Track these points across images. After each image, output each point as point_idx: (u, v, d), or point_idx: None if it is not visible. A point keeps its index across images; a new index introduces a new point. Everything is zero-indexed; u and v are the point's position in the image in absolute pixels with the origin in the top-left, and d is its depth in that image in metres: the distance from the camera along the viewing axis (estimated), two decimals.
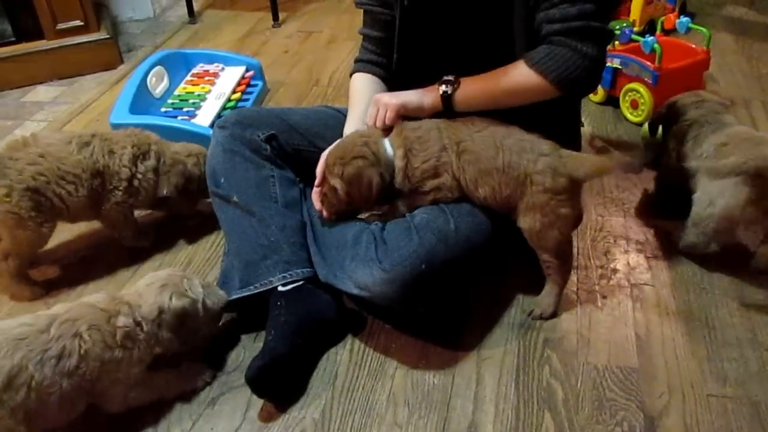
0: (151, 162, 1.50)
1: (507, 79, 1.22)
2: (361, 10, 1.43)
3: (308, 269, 1.30)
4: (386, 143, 1.26)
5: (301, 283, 1.28)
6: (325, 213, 1.30)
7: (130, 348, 1.11)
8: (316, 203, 1.32)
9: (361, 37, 1.46)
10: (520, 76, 1.20)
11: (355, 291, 1.23)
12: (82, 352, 1.05)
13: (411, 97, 1.28)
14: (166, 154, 1.54)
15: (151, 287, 1.16)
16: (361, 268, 1.21)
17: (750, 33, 2.58)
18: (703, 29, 2.03)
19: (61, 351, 1.04)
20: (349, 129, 1.37)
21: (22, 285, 1.45)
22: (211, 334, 1.26)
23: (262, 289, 1.29)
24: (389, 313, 1.31)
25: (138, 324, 1.12)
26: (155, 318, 1.13)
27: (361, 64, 1.45)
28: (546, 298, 1.34)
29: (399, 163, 1.25)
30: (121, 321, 1.10)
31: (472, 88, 1.25)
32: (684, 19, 2.10)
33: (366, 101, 1.38)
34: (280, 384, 1.20)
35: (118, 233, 1.55)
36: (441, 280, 1.22)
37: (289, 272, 1.28)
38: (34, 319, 1.07)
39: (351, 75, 1.47)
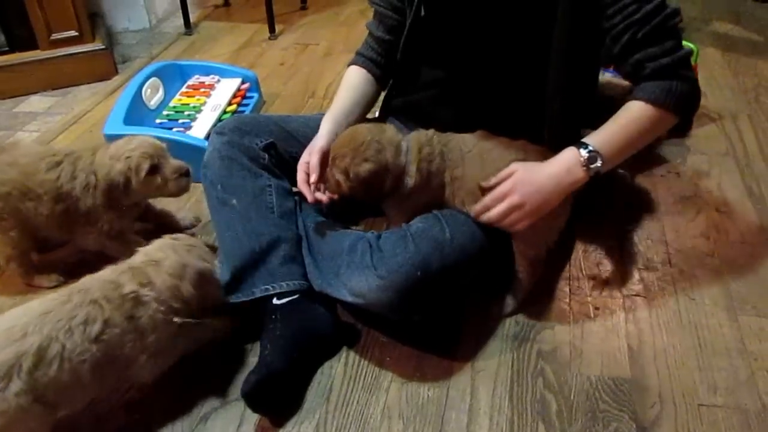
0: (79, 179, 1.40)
1: (637, 126, 1.21)
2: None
3: (297, 282, 1.30)
4: (404, 154, 1.27)
5: (296, 296, 1.29)
6: (324, 198, 1.31)
7: (142, 314, 1.11)
8: (308, 194, 1.31)
9: (367, 32, 1.48)
10: (651, 119, 1.20)
11: (350, 298, 1.23)
12: (105, 316, 1.07)
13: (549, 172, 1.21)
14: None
15: (176, 245, 1.18)
16: (356, 275, 1.21)
17: (736, 48, 2.62)
18: (691, 45, 2.06)
19: (86, 317, 1.06)
20: (326, 120, 1.39)
21: (35, 279, 1.47)
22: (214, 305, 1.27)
23: (244, 299, 1.30)
24: (384, 323, 1.32)
25: (144, 285, 1.12)
26: (178, 272, 1.14)
27: (361, 58, 1.48)
28: (512, 297, 1.38)
29: (411, 181, 1.28)
30: (127, 288, 1.11)
31: (614, 153, 1.21)
32: None
33: (353, 98, 1.42)
34: (275, 399, 1.20)
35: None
36: (436, 288, 1.23)
37: (273, 284, 1.29)
38: (55, 294, 1.10)
39: (348, 65, 1.49)
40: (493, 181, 1.22)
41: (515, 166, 1.21)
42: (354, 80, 1.46)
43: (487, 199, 1.21)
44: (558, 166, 1.20)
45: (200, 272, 1.17)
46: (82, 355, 1.05)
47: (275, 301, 1.28)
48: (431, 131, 1.33)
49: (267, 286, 1.29)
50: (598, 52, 1.32)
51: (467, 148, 1.29)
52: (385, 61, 1.45)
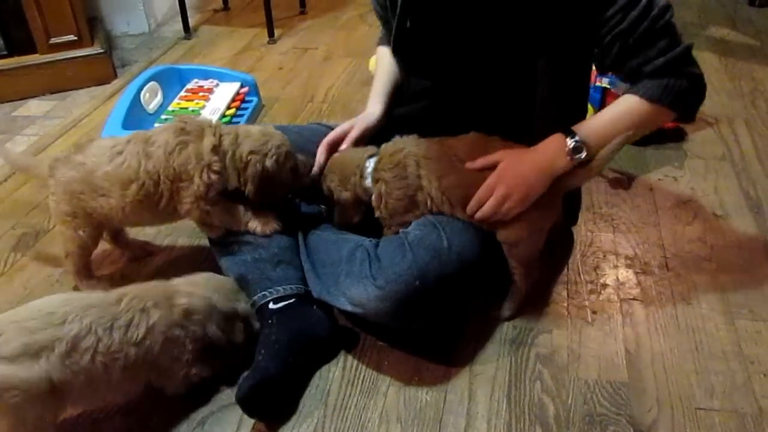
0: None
1: (630, 120, 1.21)
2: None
3: (293, 286, 1.30)
4: (368, 178, 1.31)
5: (292, 300, 1.29)
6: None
7: (188, 326, 1.15)
8: (319, 154, 1.40)
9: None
10: (644, 114, 1.20)
11: (349, 308, 1.23)
12: (149, 323, 1.10)
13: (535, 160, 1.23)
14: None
15: (208, 283, 1.24)
16: (355, 284, 1.21)
17: (733, 53, 2.63)
18: None
19: (130, 321, 1.09)
20: (372, 101, 1.47)
21: (85, 281, 1.47)
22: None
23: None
24: (382, 327, 1.32)
25: (194, 309, 1.17)
26: (206, 312, 1.18)
27: (385, 39, 1.52)
28: (510, 302, 1.38)
29: (374, 202, 1.31)
30: (183, 300, 1.15)
31: (602, 145, 1.20)
32: None
33: (387, 74, 1.49)
34: (271, 403, 1.20)
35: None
36: (434, 297, 1.23)
37: (269, 290, 1.29)
38: (104, 294, 1.13)
39: (378, 45, 1.56)
40: (479, 162, 1.23)
41: (501, 154, 1.23)
42: (386, 59, 1.50)
43: (478, 195, 1.22)
44: (542, 155, 1.21)
45: (224, 314, 1.23)
46: (117, 354, 1.07)
47: (271, 305, 1.28)
48: (408, 138, 1.33)
49: (264, 292, 1.29)
50: (586, 57, 1.32)
51: (458, 157, 1.27)
52: None
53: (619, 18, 1.15)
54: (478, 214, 1.23)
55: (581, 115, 1.37)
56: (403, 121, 1.46)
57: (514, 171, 1.21)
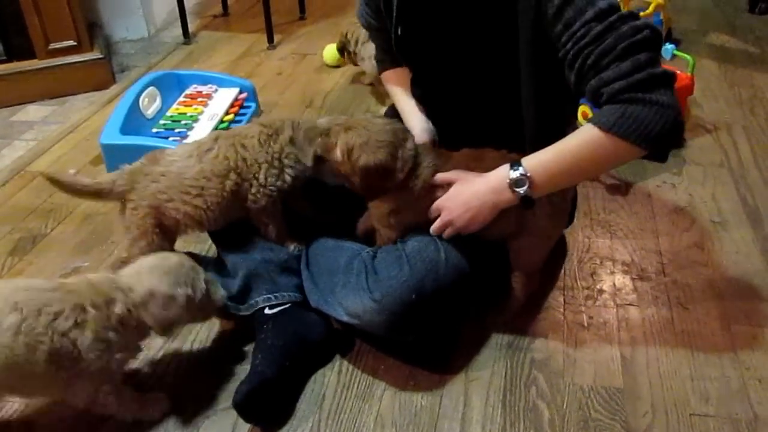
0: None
1: (584, 153, 1.09)
2: None
3: (292, 294, 1.31)
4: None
5: (287, 306, 1.29)
6: None
7: (122, 333, 1.11)
8: None
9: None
10: (599, 147, 1.06)
11: (346, 318, 1.24)
12: (78, 320, 1.06)
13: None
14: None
15: (153, 271, 1.16)
16: (351, 296, 1.21)
17: (733, 60, 2.63)
18: (687, 56, 2.08)
19: (61, 311, 1.05)
20: (414, 122, 1.40)
21: None
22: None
23: (245, 313, 1.33)
24: (378, 337, 1.31)
25: (130, 311, 1.12)
26: (144, 301, 1.13)
27: (383, 61, 1.51)
28: (509, 308, 1.38)
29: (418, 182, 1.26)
30: (118, 307, 1.11)
31: (549, 178, 1.12)
32: (669, 45, 2.16)
33: (405, 92, 1.45)
34: (267, 408, 1.19)
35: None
36: (431, 310, 1.23)
37: (274, 294, 1.30)
38: (46, 280, 1.11)
39: (380, 73, 1.54)
40: (438, 178, 1.23)
41: (454, 174, 1.22)
42: (397, 81, 1.48)
43: (430, 211, 1.24)
44: (485, 185, 1.17)
45: (168, 302, 1.15)
46: (41, 338, 1.03)
47: (267, 310, 1.28)
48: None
49: (269, 295, 1.29)
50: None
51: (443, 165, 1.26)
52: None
53: (583, 31, 1.05)
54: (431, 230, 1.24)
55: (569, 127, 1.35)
56: None
57: (459, 198, 1.19)
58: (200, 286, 1.18)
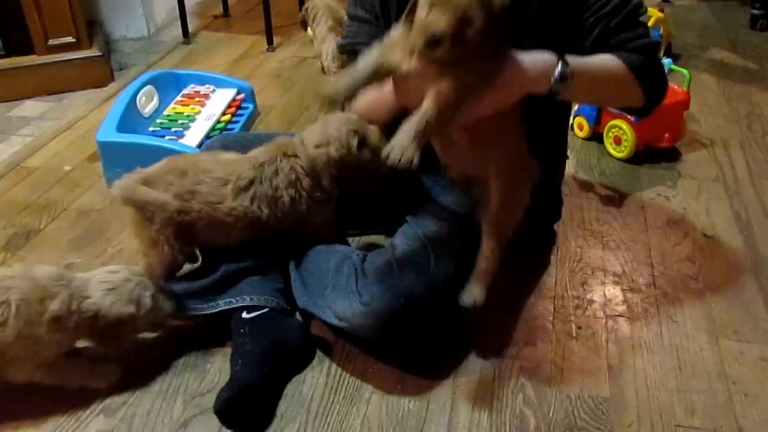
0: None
1: (610, 74, 1.19)
2: None
3: (266, 297, 1.30)
4: None
5: (266, 310, 1.29)
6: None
7: (54, 332, 1.11)
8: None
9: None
10: (620, 76, 1.19)
11: (335, 321, 1.24)
12: (9, 314, 1.07)
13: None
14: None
15: (102, 285, 1.17)
16: (340, 299, 1.22)
17: (731, 75, 2.65)
18: (684, 71, 2.09)
19: None
20: None
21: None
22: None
23: (208, 312, 1.31)
24: (366, 341, 1.31)
25: (72, 314, 1.12)
26: (91, 315, 1.14)
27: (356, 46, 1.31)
28: (476, 285, 1.24)
29: None
30: (55, 305, 1.10)
31: (584, 86, 1.14)
32: (666, 60, 2.16)
33: None
34: (248, 413, 1.19)
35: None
36: (420, 314, 1.23)
37: (236, 298, 1.29)
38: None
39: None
40: None
41: None
42: None
43: None
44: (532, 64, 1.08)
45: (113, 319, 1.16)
46: None
47: (244, 314, 1.28)
48: None
49: (231, 299, 1.29)
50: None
51: None
52: None
53: (603, 2, 1.20)
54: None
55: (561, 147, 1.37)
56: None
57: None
58: (146, 303, 1.19)
